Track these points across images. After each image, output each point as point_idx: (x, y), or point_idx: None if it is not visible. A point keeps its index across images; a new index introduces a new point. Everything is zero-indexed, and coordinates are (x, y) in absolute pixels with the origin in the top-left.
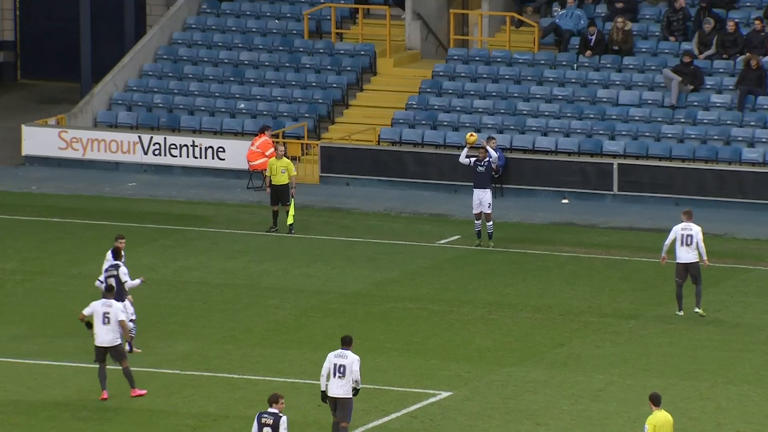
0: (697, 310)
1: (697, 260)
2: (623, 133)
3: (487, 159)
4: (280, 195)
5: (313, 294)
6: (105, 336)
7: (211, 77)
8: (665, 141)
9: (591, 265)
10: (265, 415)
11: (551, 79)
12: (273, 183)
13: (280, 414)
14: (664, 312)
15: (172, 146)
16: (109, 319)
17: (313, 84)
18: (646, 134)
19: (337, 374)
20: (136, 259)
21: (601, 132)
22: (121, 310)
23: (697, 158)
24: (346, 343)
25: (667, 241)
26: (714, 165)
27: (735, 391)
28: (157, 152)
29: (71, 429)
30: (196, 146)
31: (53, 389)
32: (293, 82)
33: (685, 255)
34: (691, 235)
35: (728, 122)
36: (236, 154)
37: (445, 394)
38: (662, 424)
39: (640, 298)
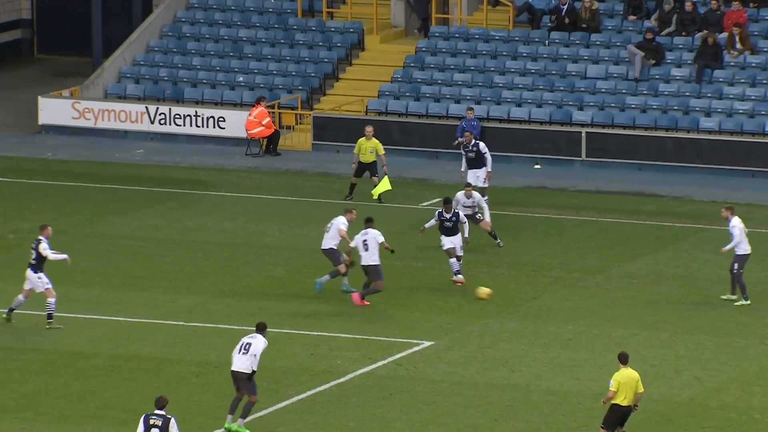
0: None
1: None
2: (591, 104)
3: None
4: (368, 169)
5: (306, 252)
6: None
7: (212, 52)
8: (629, 111)
9: (561, 225)
10: (153, 417)
11: (525, 55)
12: (361, 161)
13: (169, 416)
14: (628, 268)
15: (177, 116)
16: None
17: (306, 59)
18: (612, 105)
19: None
20: (144, 220)
21: (570, 103)
22: None
23: (659, 127)
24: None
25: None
26: (674, 133)
27: (693, 341)
28: (162, 122)
29: (84, 375)
30: (199, 116)
31: (68, 339)
32: (288, 57)
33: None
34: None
35: (687, 94)
36: (235, 123)
37: (427, 344)
38: (626, 381)
39: (606, 255)
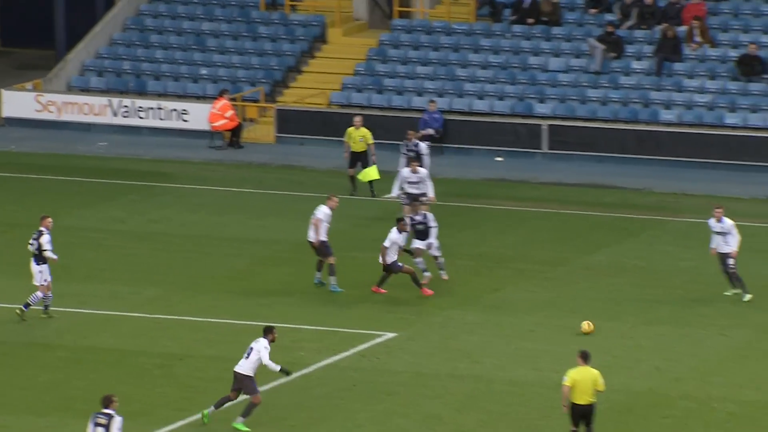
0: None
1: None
2: (552, 96)
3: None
4: (359, 159)
5: (267, 244)
6: None
7: (175, 45)
8: (590, 104)
9: (522, 217)
10: (100, 416)
11: (486, 48)
12: (352, 150)
13: (114, 414)
14: (589, 260)
15: (140, 109)
16: None
17: (269, 52)
18: (573, 98)
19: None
20: (107, 212)
21: (531, 96)
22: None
23: (619, 119)
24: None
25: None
26: (634, 125)
27: (653, 331)
28: (126, 114)
29: (49, 367)
30: (162, 109)
31: (33, 331)
32: (251, 50)
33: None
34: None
35: (647, 86)
36: (199, 116)
37: (390, 335)
38: (582, 378)
39: (567, 247)
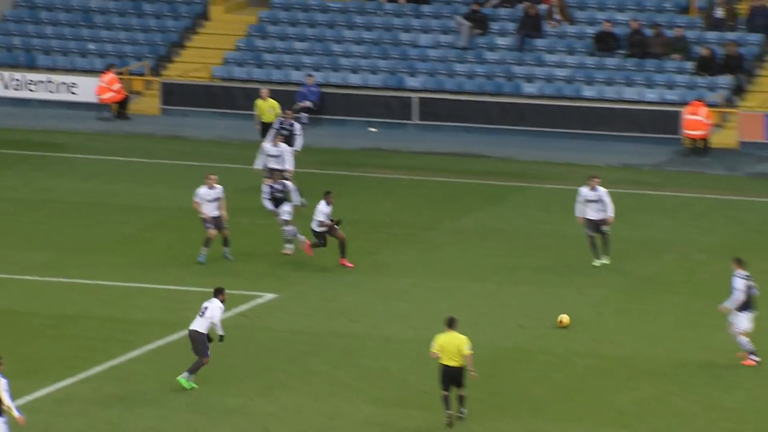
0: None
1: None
2: (422, 71)
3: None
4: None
5: (156, 210)
6: None
7: (64, 22)
8: (457, 78)
9: (396, 184)
10: None
11: (360, 25)
12: (262, 121)
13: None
14: (458, 224)
15: (30, 82)
16: None
17: (154, 28)
18: (441, 72)
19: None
20: (1, 181)
21: (403, 70)
22: None
23: (485, 92)
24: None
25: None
26: (499, 98)
27: (517, 291)
28: (17, 87)
29: None
30: (52, 82)
31: None
32: (136, 27)
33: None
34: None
35: (510, 62)
36: (87, 89)
37: (271, 296)
38: (448, 343)
39: (438, 212)
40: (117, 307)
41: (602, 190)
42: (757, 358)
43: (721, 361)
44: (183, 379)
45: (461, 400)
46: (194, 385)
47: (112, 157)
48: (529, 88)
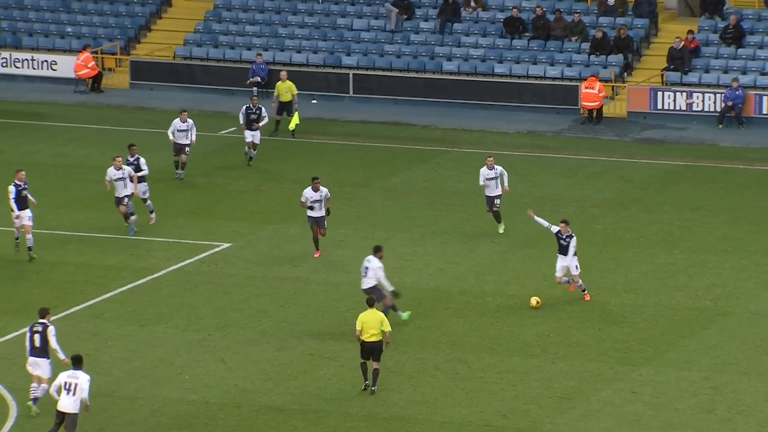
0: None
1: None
2: (356, 51)
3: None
4: (285, 108)
5: None
6: None
7: (45, 8)
8: (387, 57)
9: (334, 149)
10: (37, 325)
11: (303, 11)
12: (280, 101)
13: (48, 324)
14: (387, 183)
15: (16, 60)
16: None
17: (123, 13)
18: (373, 52)
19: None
20: None
21: (340, 50)
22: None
23: (411, 69)
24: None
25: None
26: (423, 74)
27: (438, 240)
28: (4, 65)
29: None
30: (35, 60)
31: None
32: (108, 12)
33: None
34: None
35: (432, 43)
36: (66, 66)
37: (226, 245)
38: (369, 320)
39: (370, 173)
40: (92, 255)
41: (499, 169)
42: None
43: (613, 300)
44: (405, 316)
45: (375, 374)
46: (408, 312)
47: (87, 125)
48: (448, 65)
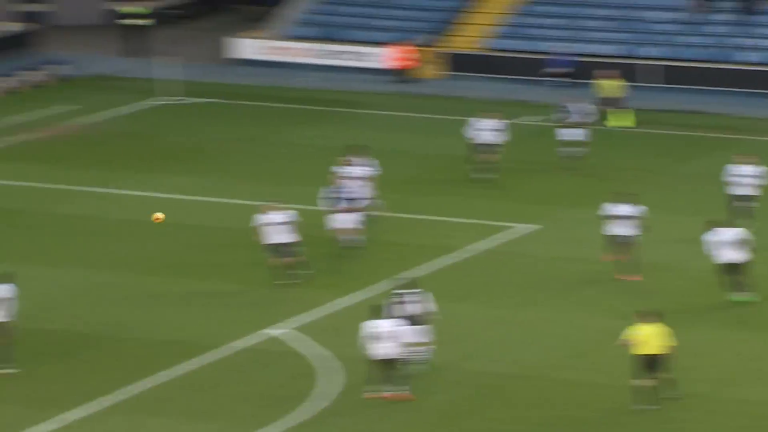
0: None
1: None
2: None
3: None
4: (611, 104)
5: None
6: None
7: (365, 4)
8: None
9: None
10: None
11: (604, 4)
12: (604, 97)
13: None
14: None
15: (341, 53)
16: None
17: (436, 8)
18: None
19: None
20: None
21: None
22: None
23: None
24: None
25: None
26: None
27: None
28: (325, 56)
29: None
30: (359, 53)
31: None
32: (422, 6)
33: None
34: None
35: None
36: (381, 57)
37: (536, 227)
38: (650, 334)
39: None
40: (396, 234)
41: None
42: None
43: None
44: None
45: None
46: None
47: (399, 113)
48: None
